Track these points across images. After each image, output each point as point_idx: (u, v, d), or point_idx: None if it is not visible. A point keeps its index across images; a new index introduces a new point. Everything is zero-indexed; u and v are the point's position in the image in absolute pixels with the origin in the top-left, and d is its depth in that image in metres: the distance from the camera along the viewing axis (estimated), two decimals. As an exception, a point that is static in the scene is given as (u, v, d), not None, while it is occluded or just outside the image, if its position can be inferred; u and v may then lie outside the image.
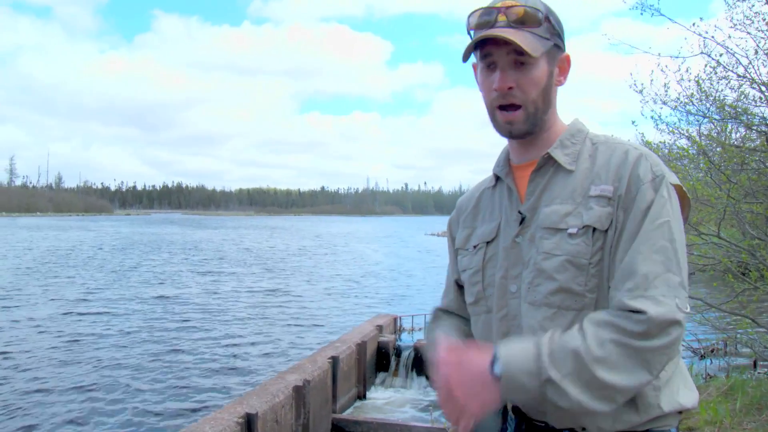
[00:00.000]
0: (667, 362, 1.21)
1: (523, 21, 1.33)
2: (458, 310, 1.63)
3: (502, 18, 1.33)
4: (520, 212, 1.40)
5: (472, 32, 1.39)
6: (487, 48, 1.35)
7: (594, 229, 1.28)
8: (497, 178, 1.52)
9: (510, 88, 1.34)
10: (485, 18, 1.35)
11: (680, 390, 1.33)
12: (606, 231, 1.28)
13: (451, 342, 1.35)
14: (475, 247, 1.50)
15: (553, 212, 1.34)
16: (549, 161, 1.39)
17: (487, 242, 1.47)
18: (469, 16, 1.39)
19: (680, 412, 1.33)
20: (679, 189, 1.33)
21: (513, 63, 1.33)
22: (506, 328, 1.40)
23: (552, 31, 1.37)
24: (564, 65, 1.42)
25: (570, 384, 1.16)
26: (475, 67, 1.46)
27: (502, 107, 1.37)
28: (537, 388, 1.18)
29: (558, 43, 1.39)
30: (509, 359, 1.20)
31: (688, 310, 1.23)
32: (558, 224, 1.32)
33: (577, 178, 1.35)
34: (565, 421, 1.30)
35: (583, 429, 1.29)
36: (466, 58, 1.38)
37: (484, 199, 1.56)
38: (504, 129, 1.39)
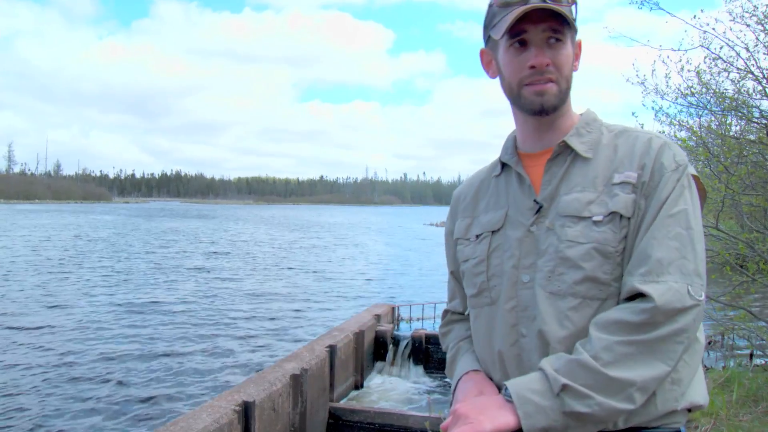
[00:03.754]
0: (683, 351, 1.19)
1: None
2: (465, 309, 1.60)
3: None
4: (536, 201, 1.36)
5: (496, 9, 1.34)
6: (522, 25, 1.29)
7: (620, 216, 1.27)
8: (503, 165, 1.48)
9: (547, 65, 1.30)
10: None
11: (695, 387, 1.30)
12: (630, 218, 1.27)
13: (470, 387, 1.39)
14: (477, 236, 1.46)
15: (575, 200, 1.31)
16: (566, 150, 1.37)
17: (493, 231, 1.43)
18: None
19: (690, 410, 1.31)
20: (696, 180, 1.32)
21: (546, 40, 1.30)
22: (515, 319, 1.35)
23: (575, 13, 1.33)
24: (578, 51, 1.39)
25: (587, 389, 1.15)
26: (482, 53, 1.43)
27: (534, 83, 1.32)
28: (555, 404, 1.16)
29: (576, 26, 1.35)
30: (516, 383, 1.22)
31: (702, 297, 1.21)
32: (581, 212, 1.29)
33: (598, 167, 1.33)
34: None
35: None
36: (510, 30, 1.30)
37: (486, 188, 1.52)
38: (534, 102, 1.33)
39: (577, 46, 1.38)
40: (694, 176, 1.31)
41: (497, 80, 1.42)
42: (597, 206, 1.29)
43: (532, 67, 1.31)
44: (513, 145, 1.47)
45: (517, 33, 1.31)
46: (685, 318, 1.18)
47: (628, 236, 1.27)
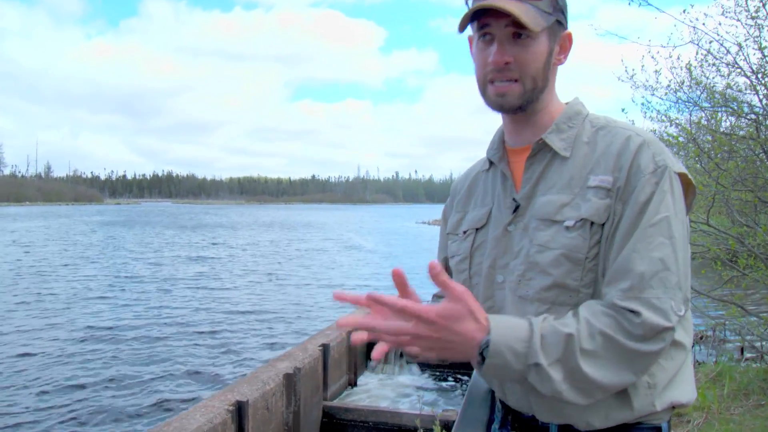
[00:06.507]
0: (651, 366, 1.17)
1: None
2: None
3: None
4: (514, 200, 1.33)
5: (470, 1, 1.30)
6: (485, 18, 1.26)
7: (592, 223, 1.21)
8: (491, 162, 1.45)
9: (507, 63, 1.26)
10: None
11: (678, 386, 1.28)
12: (603, 224, 1.21)
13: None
14: (464, 232, 1.44)
15: (549, 202, 1.27)
16: (544, 147, 1.32)
17: (477, 229, 1.41)
18: None
19: (674, 407, 1.28)
20: (683, 177, 1.25)
21: (512, 36, 1.25)
22: None
23: (555, 5, 1.28)
24: (565, 43, 1.34)
25: (555, 371, 1.11)
26: (470, 39, 1.38)
27: (495, 80, 1.28)
28: (521, 370, 1.13)
29: (560, 19, 1.30)
30: (500, 334, 1.11)
31: (683, 312, 1.17)
32: (554, 216, 1.25)
33: (575, 166, 1.28)
34: (553, 416, 1.26)
35: (569, 426, 1.25)
36: (462, 27, 1.28)
37: (478, 183, 1.49)
38: (495, 102, 1.30)
39: (565, 39, 1.33)
40: (681, 174, 1.25)
41: None
42: (570, 210, 1.24)
43: (493, 62, 1.27)
44: (500, 139, 1.44)
45: (482, 26, 1.28)
46: (670, 336, 1.15)
47: (601, 242, 1.22)
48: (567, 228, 1.23)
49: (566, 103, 1.39)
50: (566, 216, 1.24)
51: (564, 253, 1.22)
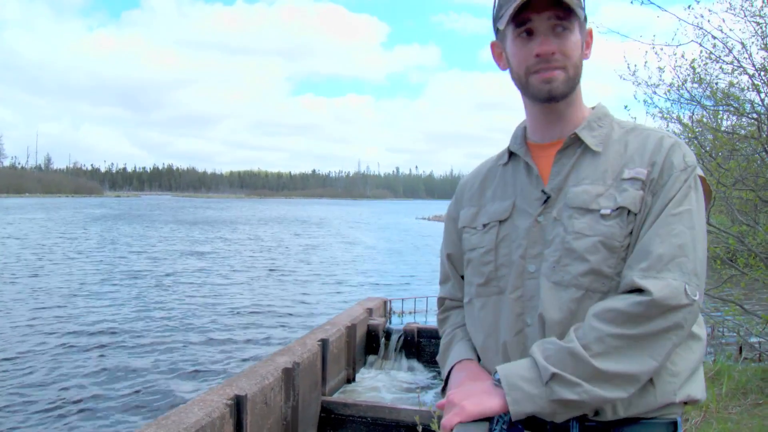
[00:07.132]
0: (672, 348, 1.20)
1: None
2: (461, 294, 1.59)
3: None
4: (544, 192, 1.37)
5: (502, 0, 1.35)
6: (526, 14, 1.31)
7: (628, 212, 1.27)
8: (511, 155, 1.49)
9: (553, 53, 1.31)
10: None
11: (695, 382, 1.32)
12: (636, 214, 1.28)
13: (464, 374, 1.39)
14: (485, 225, 1.46)
15: (584, 192, 1.32)
16: (576, 142, 1.37)
17: (500, 221, 1.43)
18: None
19: (686, 403, 1.32)
20: (703, 181, 1.33)
21: (552, 29, 1.31)
22: (521, 308, 1.36)
23: (581, 1, 1.35)
24: (588, 39, 1.40)
25: (577, 378, 1.18)
26: (493, 46, 1.45)
27: (541, 71, 1.33)
28: (543, 392, 1.19)
29: (586, 14, 1.37)
30: (506, 369, 1.24)
31: (697, 297, 1.21)
32: (589, 204, 1.30)
33: (608, 161, 1.34)
34: None
35: (596, 413, 1.26)
36: (508, 22, 1.32)
37: (493, 177, 1.52)
38: (541, 90, 1.34)
39: (588, 34, 1.40)
40: (700, 177, 1.33)
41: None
42: (605, 200, 1.29)
43: (538, 55, 1.31)
44: (522, 134, 1.48)
45: (522, 22, 1.32)
46: (678, 315, 1.19)
47: (633, 232, 1.27)
48: (603, 216, 1.29)
49: (592, 108, 1.45)
50: (602, 205, 1.29)
51: (601, 240, 1.28)
